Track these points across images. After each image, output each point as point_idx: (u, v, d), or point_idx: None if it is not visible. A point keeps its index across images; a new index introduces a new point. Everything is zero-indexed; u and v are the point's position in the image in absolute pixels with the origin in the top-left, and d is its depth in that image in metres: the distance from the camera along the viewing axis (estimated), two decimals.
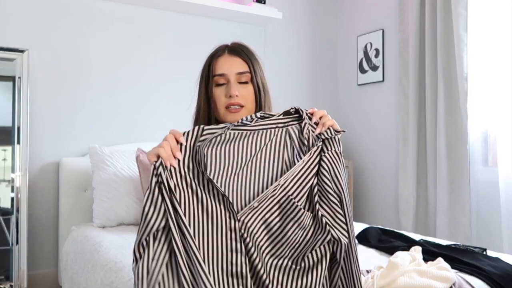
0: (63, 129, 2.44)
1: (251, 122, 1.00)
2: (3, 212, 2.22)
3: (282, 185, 0.96)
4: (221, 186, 0.94)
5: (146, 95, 2.68)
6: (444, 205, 2.54)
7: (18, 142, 2.24)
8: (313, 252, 0.95)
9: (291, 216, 0.95)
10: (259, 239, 0.94)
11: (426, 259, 1.45)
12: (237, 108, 1.10)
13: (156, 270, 0.87)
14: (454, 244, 1.74)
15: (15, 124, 2.26)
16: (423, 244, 1.71)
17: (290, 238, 0.94)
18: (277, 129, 1.02)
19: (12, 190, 2.22)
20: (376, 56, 3.14)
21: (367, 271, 1.36)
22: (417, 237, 1.91)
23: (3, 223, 2.22)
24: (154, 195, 0.89)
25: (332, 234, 0.94)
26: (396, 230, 1.98)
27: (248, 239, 0.92)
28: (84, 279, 1.75)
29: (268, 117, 1.02)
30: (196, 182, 0.94)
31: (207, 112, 1.14)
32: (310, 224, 0.96)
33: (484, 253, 1.64)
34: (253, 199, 0.95)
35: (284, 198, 0.96)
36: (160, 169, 0.90)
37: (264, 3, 2.93)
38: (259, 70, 1.15)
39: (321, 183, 0.98)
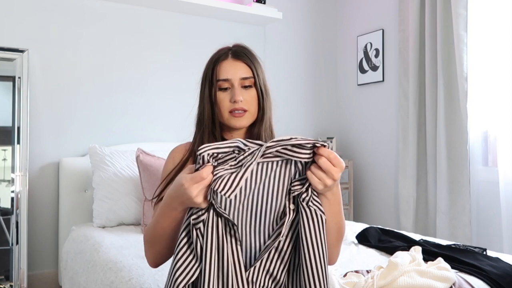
0: (63, 129, 2.44)
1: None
2: (3, 212, 2.22)
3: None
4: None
5: (146, 95, 2.68)
6: (444, 205, 2.54)
7: (18, 142, 2.24)
8: None
9: (284, 256, 0.92)
10: None
11: (426, 259, 1.45)
12: (241, 113, 1.11)
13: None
14: (454, 244, 1.74)
15: (15, 124, 2.26)
16: (423, 244, 1.71)
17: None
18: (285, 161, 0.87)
19: (12, 190, 2.23)
20: (376, 56, 3.14)
21: (367, 271, 1.36)
22: (417, 237, 1.92)
23: (3, 223, 2.22)
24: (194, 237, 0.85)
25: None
26: (396, 230, 1.98)
27: None
28: (84, 279, 1.75)
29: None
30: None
31: (211, 116, 1.14)
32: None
33: (484, 253, 1.64)
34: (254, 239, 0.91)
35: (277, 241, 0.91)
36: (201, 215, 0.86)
37: (264, 3, 2.93)
38: (261, 73, 1.16)
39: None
